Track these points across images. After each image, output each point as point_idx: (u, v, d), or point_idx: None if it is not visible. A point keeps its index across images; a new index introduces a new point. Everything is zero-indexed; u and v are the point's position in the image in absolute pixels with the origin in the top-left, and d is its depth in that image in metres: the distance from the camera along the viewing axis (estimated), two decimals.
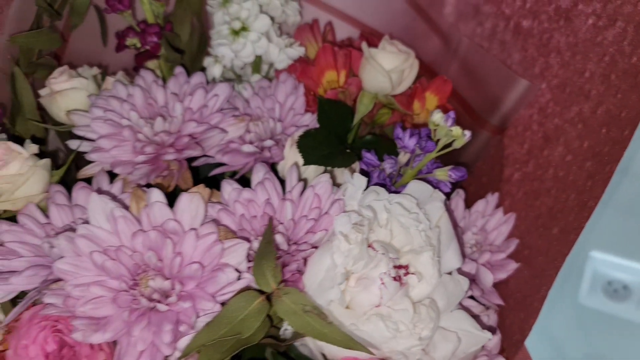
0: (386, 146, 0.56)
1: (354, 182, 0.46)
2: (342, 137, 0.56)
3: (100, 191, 0.44)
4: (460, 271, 0.45)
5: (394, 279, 0.41)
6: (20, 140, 0.50)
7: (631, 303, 1.18)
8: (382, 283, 0.41)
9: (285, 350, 0.46)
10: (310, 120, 0.54)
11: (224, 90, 0.52)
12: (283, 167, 0.53)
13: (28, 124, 0.56)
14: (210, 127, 0.50)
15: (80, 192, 0.45)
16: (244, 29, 0.56)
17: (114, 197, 0.44)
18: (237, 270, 0.39)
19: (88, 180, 0.47)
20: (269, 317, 0.41)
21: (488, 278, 0.49)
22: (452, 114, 0.48)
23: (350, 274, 0.40)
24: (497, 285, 0.50)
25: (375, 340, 0.40)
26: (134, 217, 0.40)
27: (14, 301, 0.44)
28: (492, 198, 0.55)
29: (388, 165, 0.51)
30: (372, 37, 0.61)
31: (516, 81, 0.53)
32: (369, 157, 0.52)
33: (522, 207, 0.52)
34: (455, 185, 0.51)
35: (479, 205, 0.55)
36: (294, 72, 0.58)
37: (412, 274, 0.42)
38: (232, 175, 0.54)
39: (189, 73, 0.54)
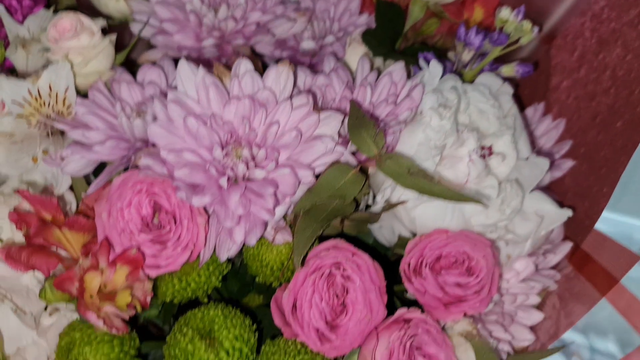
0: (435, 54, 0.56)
1: (430, 69, 0.46)
2: (394, 42, 0.56)
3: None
4: None
5: (481, 157, 0.41)
6: None
7: None
8: (470, 160, 0.41)
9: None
10: (366, 21, 0.54)
11: None
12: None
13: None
14: (276, 17, 0.49)
15: (150, 71, 0.44)
16: None
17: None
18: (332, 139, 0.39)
19: None
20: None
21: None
22: (522, 8, 0.48)
23: (442, 149, 0.40)
24: (554, 183, 0.51)
25: (466, 213, 0.40)
26: (225, 87, 0.39)
27: (87, 180, 0.42)
28: (539, 106, 0.56)
29: (446, 67, 0.52)
30: None
31: None
32: (429, 56, 0.52)
33: (574, 111, 0.53)
34: None
35: (527, 112, 0.56)
36: None
37: (496, 154, 0.43)
38: None
39: None
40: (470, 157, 0.41)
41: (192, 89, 0.39)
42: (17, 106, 0.38)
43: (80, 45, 0.41)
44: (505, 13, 0.49)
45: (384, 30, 0.54)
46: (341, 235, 0.45)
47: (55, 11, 0.47)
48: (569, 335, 0.42)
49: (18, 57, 0.45)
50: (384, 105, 0.44)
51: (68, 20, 0.41)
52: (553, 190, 0.51)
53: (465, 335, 0.38)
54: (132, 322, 0.46)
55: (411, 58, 0.53)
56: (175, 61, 0.47)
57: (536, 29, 0.48)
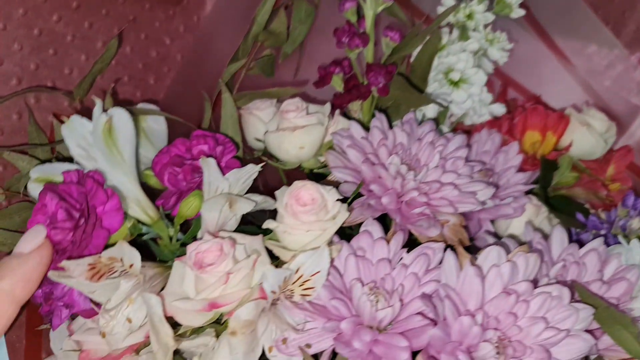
0: (575, 207, 0.58)
1: (632, 248, 0.46)
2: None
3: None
4: None
5: None
6: None
7: None
8: None
9: None
10: (524, 178, 0.54)
11: (462, 140, 0.51)
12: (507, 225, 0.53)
13: None
14: (469, 179, 0.48)
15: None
16: (462, 80, 0.55)
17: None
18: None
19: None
20: None
21: None
22: None
23: None
24: None
25: None
26: (482, 276, 0.38)
27: None
28: None
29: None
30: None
31: None
32: (594, 220, 0.53)
33: None
34: None
35: None
36: (497, 128, 0.57)
37: None
38: None
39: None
40: None
41: (454, 281, 0.37)
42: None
43: (319, 219, 0.39)
44: None
45: (543, 187, 0.55)
46: None
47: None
48: None
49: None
50: (616, 283, 0.43)
51: (307, 192, 0.39)
52: None
53: None
54: None
55: (556, 210, 0.54)
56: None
57: None
